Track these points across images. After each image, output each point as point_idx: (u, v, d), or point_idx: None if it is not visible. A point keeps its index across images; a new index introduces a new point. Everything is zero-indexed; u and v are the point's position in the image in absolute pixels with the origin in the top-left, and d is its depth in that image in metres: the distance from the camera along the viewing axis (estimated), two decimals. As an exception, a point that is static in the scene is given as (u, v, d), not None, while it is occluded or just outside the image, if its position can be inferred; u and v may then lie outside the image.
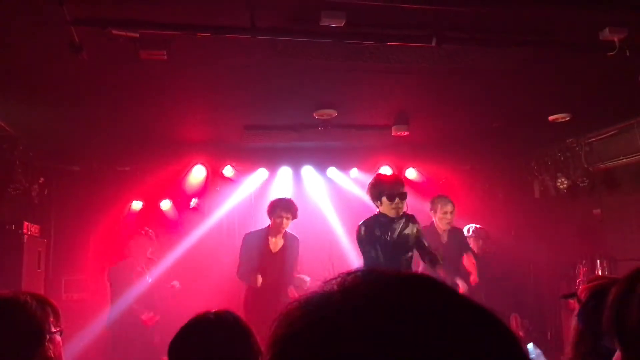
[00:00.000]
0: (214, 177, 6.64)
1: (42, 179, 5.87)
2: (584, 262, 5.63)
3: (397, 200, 4.18)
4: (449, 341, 0.51)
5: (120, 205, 6.33)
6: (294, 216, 5.05)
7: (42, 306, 1.69)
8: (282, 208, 5.01)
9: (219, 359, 1.69)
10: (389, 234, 4.22)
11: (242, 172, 6.73)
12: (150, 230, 5.63)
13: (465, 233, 5.55)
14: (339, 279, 0.59)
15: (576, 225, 6.29)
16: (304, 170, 6.91)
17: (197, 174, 6.55)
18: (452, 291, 0.57)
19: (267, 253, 5.07)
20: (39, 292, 1.85)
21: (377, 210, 4.30)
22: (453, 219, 5.19)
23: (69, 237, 6.11)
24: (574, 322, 1.72)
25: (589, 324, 1.63)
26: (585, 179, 5.97)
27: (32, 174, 5.68)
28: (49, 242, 5.96)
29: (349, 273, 0.60)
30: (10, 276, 4.87)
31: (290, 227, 5.13)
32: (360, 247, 4.32)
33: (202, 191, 6.65)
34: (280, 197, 5.29)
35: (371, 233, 4.22)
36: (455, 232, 5.29)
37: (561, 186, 6.23)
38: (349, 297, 0.55)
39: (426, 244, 4.39)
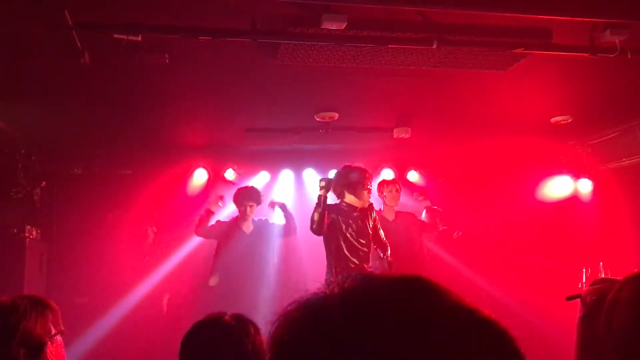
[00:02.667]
0: (216, 180, 6.65)
1: (44, 182, 5.89)
2: (588, 265, 5.61)
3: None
4: (446, 344, 0.51)
5: (122, 208, 6.33)
6: (258, 202, 5.36)
7: (41, 310, 1.70)
8: (245, 197, 5.31)
9: (229, 357, 1.70)
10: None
11: (243, 175, 6.72)
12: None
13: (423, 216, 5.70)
14: (338, 282, 0.59)
15: (579, 228, 6.27)
16: (305, 173, 6.91)
17: (199, 178, 6.56)
18: (451, 293, 0.57)
19: (241, 234, 5.33)
20: (41, 295, 1.85)
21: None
22: (398, 196, 5.36)
23: (71, 240, 6.10)
24: (578, 325, 1.69)
25: (594, 327, 1.60)
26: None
27: (34, 177, 5.69)
28: (51, 245, 5.96)
29: (347, 276, 0.60)
30: (12, 280, 4.87)
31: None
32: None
33: (204, 194, 6.65)
34: (244, 185, 5.63)
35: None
36: (405, 215, 5.45)
37: (563, 188, 6.22)
38: (348, 299, 0.56)
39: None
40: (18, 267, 5.05)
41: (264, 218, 5.60)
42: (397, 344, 0.51)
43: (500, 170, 7.12)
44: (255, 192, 5.41)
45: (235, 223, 5.42)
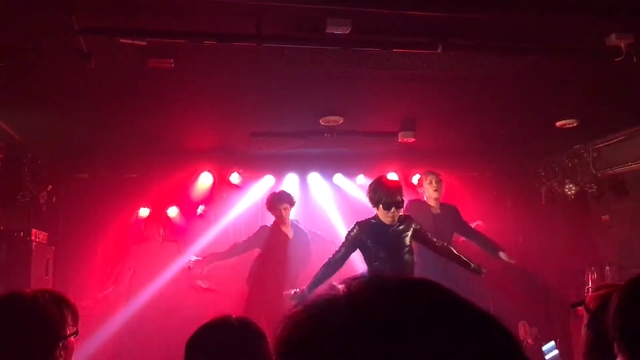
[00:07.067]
0: (221, 184, 6.67)
1: (50, 186, 5.91)
2: (592, 268, 5.59)
3: (393, 209, 4.16)
4: (451, 346, 0.51)
5: (128, 212, 6.36)
6: (291, 204, 5.53)
7: (60, 308, 1.70)
8: (278, 201, 5.51)
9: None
10: (382, 240, 4.19)
11: (248, 179, 6.75)
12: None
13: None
14: (344, 284, 0.59)
15: (584, 231, 6.25)
16: (310, 177, 6.92)
17: (204, 181, 6.58)
18: (456, 296, 0.57)
19: (284, 239, 5.51)
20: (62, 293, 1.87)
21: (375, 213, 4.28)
22: (440, 189, 5.23)
23: (76, 244, 6.13)
24: (584, 331, 1.68)
25: (599, 333, 1.60)
26: (593, 185, 5.94)
27: (40, 181, 5.71)
28: (57, 249, 5.97)
29: (354, 278, 0.60)
30: (19, 283, 4.88)
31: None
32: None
33: (209, 198, 6.68)
34: (274, 191, 5.76)
35: (358, 237, 4.23)
36: (449, 208, 5.32)
37: (569, 192, 6.20)
38: (354, 302, 0.56)
39: (431, 238, 4.41)
40: (24, 271, 5.07)
41: (298, 222, 5.73)
42: (401, 345, 0.51)
43: (505, 175, 7.12)
44: (286, 194, 5.59)
45: (277, 227, 5.57)
